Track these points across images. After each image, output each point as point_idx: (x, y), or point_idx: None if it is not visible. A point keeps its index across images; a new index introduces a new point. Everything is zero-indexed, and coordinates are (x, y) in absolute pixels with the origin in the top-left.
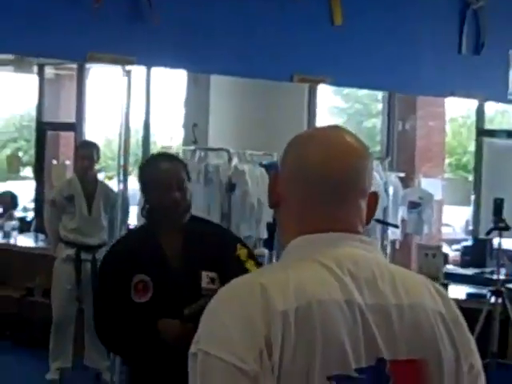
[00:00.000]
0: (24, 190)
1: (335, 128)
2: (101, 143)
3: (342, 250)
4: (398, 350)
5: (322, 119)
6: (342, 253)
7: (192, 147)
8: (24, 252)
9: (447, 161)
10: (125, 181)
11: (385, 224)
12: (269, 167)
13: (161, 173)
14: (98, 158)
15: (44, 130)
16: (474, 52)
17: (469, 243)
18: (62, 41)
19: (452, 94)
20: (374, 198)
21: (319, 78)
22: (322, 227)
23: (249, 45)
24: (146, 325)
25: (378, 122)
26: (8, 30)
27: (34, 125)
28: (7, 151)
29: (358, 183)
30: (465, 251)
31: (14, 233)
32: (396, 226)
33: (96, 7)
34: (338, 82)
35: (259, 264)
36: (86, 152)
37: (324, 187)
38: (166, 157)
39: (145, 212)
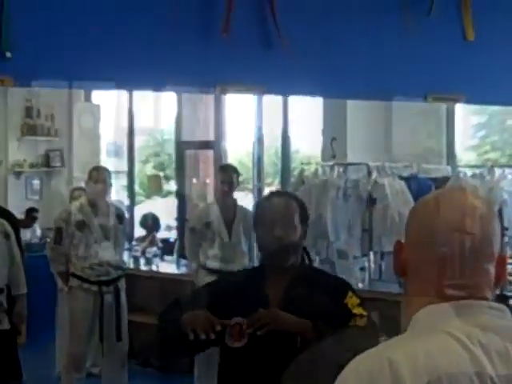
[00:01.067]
0: (167, 207)
1: (460, 191)
2: (240, 157)
3: (471, 319)
4: None
5: (462, 119)
6: (471, 322)
7: (331, 162)
8: (166, 278)
9: None
10: (259, 194)
11: None
12: (409, 179)
13: (265, 208)
14: (238, 182)
15: (183, 148)
16: None
17: None
18: (192, 73)
19: None
20: (502, 260)
21: (454, 96)
22: (450, 295)
23: (380, 66)
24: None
25: None
26: (134, 66)
27: (173, 138)
28: (150, 165)
29: (487, 248)
30: None
31: (156, 259)
32: None
33: (224, 37)
34: (472, 100)
35: (365, 316)
36: (226, 176)
37: (451, 253)
38: (277, 193)
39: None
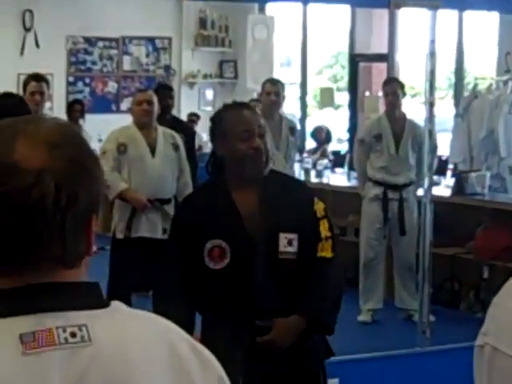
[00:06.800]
0: (339, 119)
1: None
2: (413, 73)
3: None
4: None
5: None
6: None
7: (504, 77)
8: (337, 191)
9: None
10: (431, 107)
11: None
12: None
13: (241, 119)
14: (404, 94)
15: (356, 61)
16: None
17: None
18: None
19: None
20: None
21: None
22: None
23: None
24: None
25: None
26: None
27: (347, 51)
28: (323, 78)
29: None
30: None
31: (327, 171)
32: None
33: None
34: None
35: (331, 226)
36: (390, 89)
37: None
38: (243, 105)
39: (211, 166)
